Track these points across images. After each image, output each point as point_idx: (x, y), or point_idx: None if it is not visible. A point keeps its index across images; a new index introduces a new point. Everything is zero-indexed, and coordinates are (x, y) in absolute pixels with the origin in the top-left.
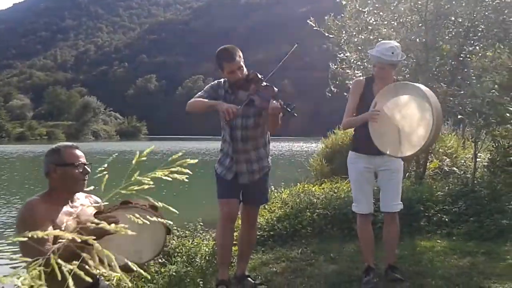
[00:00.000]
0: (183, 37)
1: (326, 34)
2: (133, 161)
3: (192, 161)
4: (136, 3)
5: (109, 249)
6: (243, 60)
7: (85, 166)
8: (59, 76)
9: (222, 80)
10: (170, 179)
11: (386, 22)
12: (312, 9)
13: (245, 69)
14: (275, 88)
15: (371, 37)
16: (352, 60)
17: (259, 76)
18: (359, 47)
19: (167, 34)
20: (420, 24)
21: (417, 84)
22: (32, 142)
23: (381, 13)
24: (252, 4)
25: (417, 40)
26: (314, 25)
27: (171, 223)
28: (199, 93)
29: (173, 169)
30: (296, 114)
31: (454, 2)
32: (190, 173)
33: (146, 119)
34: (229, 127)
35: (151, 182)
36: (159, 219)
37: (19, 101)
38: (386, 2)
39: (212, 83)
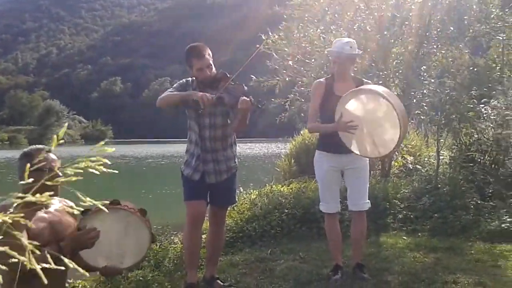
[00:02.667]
0: (148, 39)
1: (274, 55)
2: (52, 147)
3: (110, 150)
4: (99, 5)
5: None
6: (212, 59)
7: (57, 171)
8: (20, 80)
9: (190, 79)
10: (97, 172)
11: (342, 29)
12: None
13: (213, 69)
14: (244, 86)
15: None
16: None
17: (228, 75)
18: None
19: (131, 36)
20: (375, 25)
21: (375, 87)
22: None
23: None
24: (218, 6)
25: (374, 44)
26: (264, 46)
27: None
28: (169, 89)
29: (92, 158)
30: (261, 106)
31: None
32: (109, 162)
33: (111, 123)
34: (198, 126)
35: (78, 172)
36: (146, 226)
37: None
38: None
39: (180, 81)
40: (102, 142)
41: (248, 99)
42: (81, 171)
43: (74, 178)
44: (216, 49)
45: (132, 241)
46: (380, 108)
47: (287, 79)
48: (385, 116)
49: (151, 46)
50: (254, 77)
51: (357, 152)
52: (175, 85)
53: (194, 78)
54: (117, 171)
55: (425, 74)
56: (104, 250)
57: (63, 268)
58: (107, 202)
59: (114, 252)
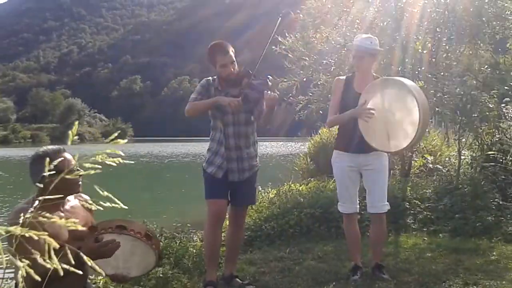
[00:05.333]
0: (167, 37)
1: (290, 55)
2: (68, 143)
3: (123, 141)
4: (119, 4)
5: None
6: (234, 56)
7: (78, 168)
8: (42, 78)
9: (210, 78)
10: (114, 163)
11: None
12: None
13: (236, 66)
14: (268, 81)
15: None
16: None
17: (250, 72)
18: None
19: (151, 35)
20: (393, 25)
21: (402, 79)
22: (16, 146)
23: (357, 20)
24: (236, 5)
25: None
26: (276, 48)
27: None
28: (192, 95)
29: (108, 151)
30: (291, 100)
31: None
32: (122, 154)
33: (131, 121)
34: (222, 123)
35: (98, 166)
36: (152, 249)
37: (2, 104)
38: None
39: (201, 82)
40: (115, 134)
41: (274, 95)
42: (99, 166)
43: (92, 172)
44: (235, 47)
45: (138, 260)
46: (404, 103)
47: (304, 79)
48: (407, 112)
49: (170, 44)
50: (270, 76)
51: (369, 142)
52: (197, 88)
53: (215, 77)
54: (132, 162)
55: (445, 72)
56: (112, 262)
57: (80, 272)
58: (119, 220)
59: (121, 266)
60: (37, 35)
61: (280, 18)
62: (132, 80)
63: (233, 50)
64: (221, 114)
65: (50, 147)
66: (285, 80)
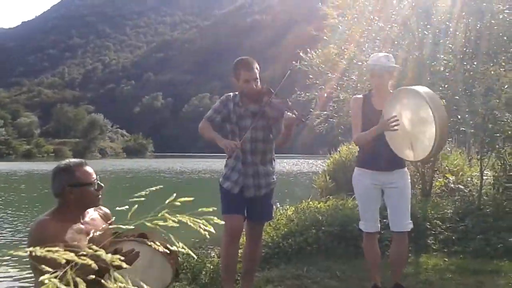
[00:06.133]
0: (189, 55)
1: (311, 71)
2: (166, 201)
3: (219, 221)
4: (143, 22)
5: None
6: (258, 73)
7: (98, 182)
8: (66, 94)
9: (231, 94)
10: (194, 227)
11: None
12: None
13: (259, 83)
14: (288, 101)
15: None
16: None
17: (272, 91)
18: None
19: (173, 53)
20: (415, 44)
21: (417, 88)
22: (39, 160)
23: (378, 38)
24: (257, 24)
25: (411, 57)
26: (297, 64)
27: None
28: (210, 112)
29: (198, 220)
30: (304, 120)
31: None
32: (214, 231)
33: (152, 137)
34: (239, 139)
35: (176, 221)
36: (170, 264)
37: (27, 119)
38: (381, 26)
39: (222, 97)
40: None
41: (293, 114)
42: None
43: (170, 224)
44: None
45: (156, 273)
46: (421, 114)
47: (325, 95)
48: (424, 123)
49: (192, 62)
50: (298, 90)
51: (396, 153)
52: (215, 105)
53: (237, 93)
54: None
55: (467, 91)
56: (129, 274)
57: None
58: (142, 233)
59: (139, 277)
60: (62, 51)
61: (289, 71)
62: (154, 97)
63: (258, 68)
64: (238, 130)
65: (72, 160)
66: (307, 94)
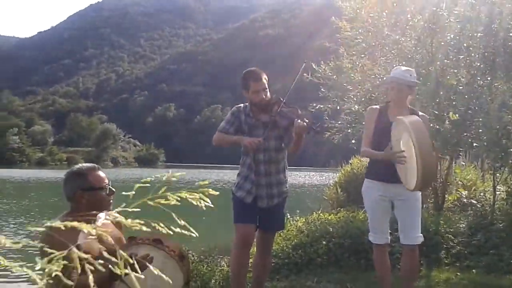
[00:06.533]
0: (202, 67)
1: (321, 88)
2: (164, 177)
3: (214, 193)
4: (157, 34)
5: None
6: (267, 84)
7: (110, 187)
8: (80, 103)
9: (241, 105)
10: (194, 202)
11: (393, 62)
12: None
13: (268, 93)
14: (298, 109)
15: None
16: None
17: (282, 100)
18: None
19: (186, 65)
20: (427, 57)
21: (403, 118)
22: (52, 167)
23: (392, 51)
24: (270, 37)
25: (424, 71)
26: (308, 76)
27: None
28: (222, 124)
29: (196, 194)
30: (315, 128)
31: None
32: (211, 205)
33: (164, 147)
34: (259, 143)
35: (178, 199)
36: (181, 271)
37: (41, 127)
38: (395, 40)
39: (232, 109)
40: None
41: (303, 122)
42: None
43: (173, 203)
44: (268, 77)
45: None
46: (408, 143)
47: (338, 107)
48: (410, 152)
49: (205, 74)
50: (309, 103)
51: (404, 184)
52: (227, 117)
53: (247, 104)
54: (212, 205)
55: (482, 108)
56: (140, 281)
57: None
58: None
59: (149, 283)
60: (77, 62)
61: (304, 64)
62: (167, 108)
63: (266, 78)
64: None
65: (85, 164)
66: (321, 106)
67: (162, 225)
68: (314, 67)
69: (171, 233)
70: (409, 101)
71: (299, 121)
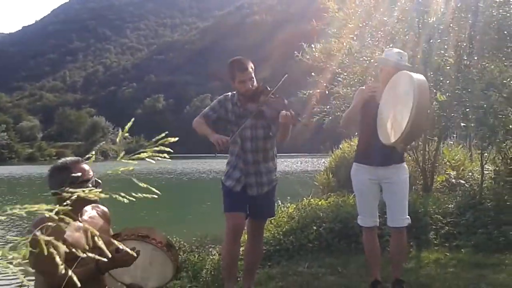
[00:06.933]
0: (190, 56)
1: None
2: (117, 139)
3: (173, 139)
4: (143, 25)
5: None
6: (253, 73)
7: (96, 179)
8: (68, 97)
9: (229, 94)
10: (153, 161)
11: (381, 43)
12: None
13: (255, 82)
14: (284, 99)
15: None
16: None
17: (269, 89)
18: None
19: (174, 54)
20: (415, 39)
21: (410, 73)
22: (41, 163)
23: (379, 33)
24: (258, 24)
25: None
26: (298, 55)
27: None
28: (206, 109)
29: (156, 148)
30: (300, 120)
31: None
32: (171, 150)
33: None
34: (240, 138)
35: (135, 163)
36: (171, 260)
37: (29, 123)
38: (383, 21)
39: (219, 97)
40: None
41: (288, 113)
42: (135, 162)
43: (131, 168)
44: (255, 65)
45: (157, 270)
46: (406, 99)
47: (326, 92)
48: (406, 107)
49: (193, 63)
50: (299, 92)
51: (383, 140)
52: (213, 104)
53: (234, 92)
54: (169, 158)
55: (468, 89)
56: (130, 271)
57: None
58: (142, 228)
59: (139, 275)
60: (63, 55)
61: (286, 75)
62: (156, 99)
63: (253, 67)
64: (238, 129)
65: (68, 158)
66: (310, 92)
67: (123, 194)
68: (304, 47)
69: (133, 199)
70: None
71: (284, 112)
